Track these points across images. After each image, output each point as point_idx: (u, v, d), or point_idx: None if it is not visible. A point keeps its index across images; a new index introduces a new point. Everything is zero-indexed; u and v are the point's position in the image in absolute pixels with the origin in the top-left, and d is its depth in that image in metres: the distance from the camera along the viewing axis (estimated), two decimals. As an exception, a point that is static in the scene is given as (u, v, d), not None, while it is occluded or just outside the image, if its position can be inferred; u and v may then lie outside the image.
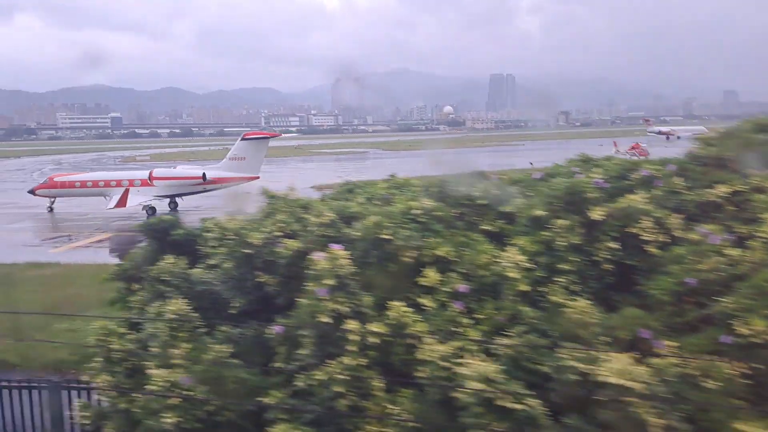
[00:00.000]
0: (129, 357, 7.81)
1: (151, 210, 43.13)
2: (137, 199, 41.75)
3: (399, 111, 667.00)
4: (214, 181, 45.27)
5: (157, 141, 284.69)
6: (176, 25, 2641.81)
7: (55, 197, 46.34)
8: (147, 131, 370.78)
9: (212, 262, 8.83)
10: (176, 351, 7.26)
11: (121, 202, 39.47)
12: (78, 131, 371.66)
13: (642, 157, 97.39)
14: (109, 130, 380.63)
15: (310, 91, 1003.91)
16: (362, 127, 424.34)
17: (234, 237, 8.27)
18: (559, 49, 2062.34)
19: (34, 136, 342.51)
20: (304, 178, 69.48)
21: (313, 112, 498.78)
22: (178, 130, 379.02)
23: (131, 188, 43.15)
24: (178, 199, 46.67)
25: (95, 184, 45.16)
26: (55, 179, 46.95)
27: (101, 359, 7.96)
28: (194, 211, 45.42)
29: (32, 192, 46.99)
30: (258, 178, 47.14)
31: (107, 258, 29.46)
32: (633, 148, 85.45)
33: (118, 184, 43.69)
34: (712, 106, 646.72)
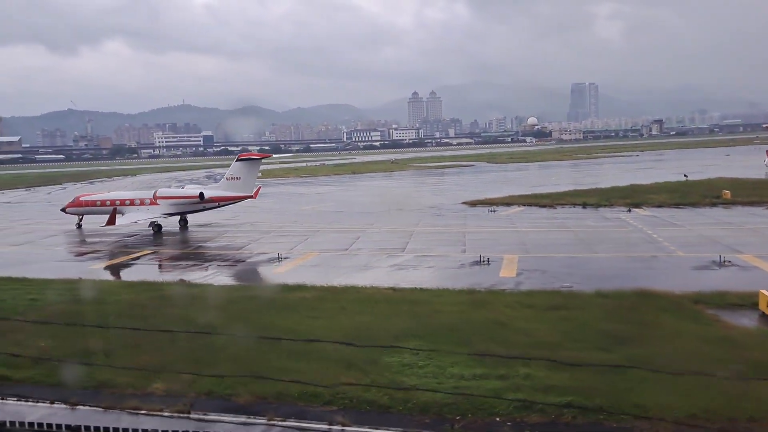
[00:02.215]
0: None
1: (156, 227, 47.06)
2: (137, 217, 45.50)
3: (477, 123, 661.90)
4: (212, 200, 48.24)
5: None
6: (252, 45, 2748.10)
7: (82, 215, 50.41)
8: (239, 148, 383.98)
9: None
10: None
11: (110, 221, 41.88)
12: (174, 149, 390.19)
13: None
14: (202, 148, 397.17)
15: (386, 106, 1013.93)
16: (445, 140, 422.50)
17: None
18: (642, 55, 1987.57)
19: (135, 155, 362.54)
20: (478, 193, 67.43)
21: (394, 126, 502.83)
22: (267, 147, 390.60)
23: (141, 207, 47.30)
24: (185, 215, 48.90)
25: (112, 202, 48.38)
26: (81, 198, 51.02)
27: None
28: (201, 228, 48.73)
29: (63, 210, 51.49)
30: (252, 197, 49.52)
31: (342, 279, 28.86)
32: (786, 157, 79.47)
33: (131, 203, 47.83)
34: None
